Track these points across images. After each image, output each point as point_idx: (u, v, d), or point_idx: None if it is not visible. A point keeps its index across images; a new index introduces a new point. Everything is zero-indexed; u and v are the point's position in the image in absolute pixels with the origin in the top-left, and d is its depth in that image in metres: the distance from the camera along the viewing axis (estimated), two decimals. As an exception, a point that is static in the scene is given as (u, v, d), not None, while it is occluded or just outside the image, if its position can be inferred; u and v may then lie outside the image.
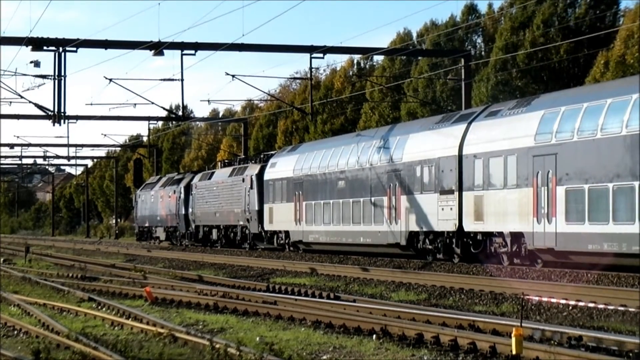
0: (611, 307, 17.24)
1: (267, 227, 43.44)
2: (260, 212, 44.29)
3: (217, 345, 13.46)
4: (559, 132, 24.88)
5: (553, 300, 17.74)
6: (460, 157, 29.19)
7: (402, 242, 32.40)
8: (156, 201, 62.20)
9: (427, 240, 31.32)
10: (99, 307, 21.57)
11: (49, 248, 64.75)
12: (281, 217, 41.88)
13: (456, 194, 29.20)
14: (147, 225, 65.15)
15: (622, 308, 17.46)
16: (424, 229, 31.20)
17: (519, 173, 26.34)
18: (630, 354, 13.02)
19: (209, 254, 43.17)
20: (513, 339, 12.86)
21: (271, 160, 44.40)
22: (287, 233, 41.72)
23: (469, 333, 14.78)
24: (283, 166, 42.47)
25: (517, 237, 26.64)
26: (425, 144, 31.61)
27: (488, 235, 28.13)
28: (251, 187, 45.23)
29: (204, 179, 53.28)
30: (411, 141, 32.58)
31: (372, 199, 34.45)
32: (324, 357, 13.72)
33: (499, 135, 27.60)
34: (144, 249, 54.69)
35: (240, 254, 42.62)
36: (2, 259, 44.65)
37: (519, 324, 13.97)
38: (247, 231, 46.48)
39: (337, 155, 37.74)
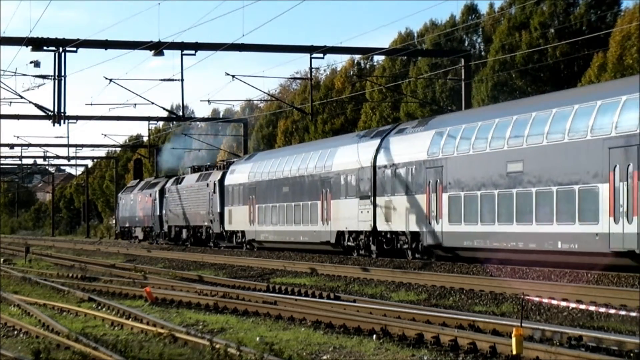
0: (612, 311, 17.22)
1: (227, 227, 48.32)
2: (221, 214, 49.11)
3: (217, 346, 13.44)
4: (445, 148, 29.79)
5: (554, 301, 17.72)
6: (374, 167, 33.99)
7: (332, 240, 37.05)
8: (135, 203, 67.17)
9: (350, 239, 35.93)
10: (99, 308, 21.55)
11: (49, 248, 64.70)
12: (238, 218, 46.68)
13: (371, 199, 33.92)
14: (127, 225, 70.18)
15: (623, 312, 17.41)
16: (348, 229, 36.01)
17: (417, 182, 31.26)
18: (631, 354, 13.02)
19: (209, 254, 43.23)
20: (513, 339, 12.87)
21: (231, 167, 49.25)
22: (243, 233, 46.27)
23: (469, 333, 14.77)
24: (240, 173, 47.28)
25: (415, 235, 31.49)
26: (350, 156, 36.21)
27: (395, 234, 32.86)
28: (214, 192, 50.29)
29: (175, 184, 57.91)
30: (339, 152, 37.29)
31: (309, 202, 38.97)
32: (324, 357, 13.73)
33: (403, 149, 32.52)
34: (144, 249, 54.75)
35: (240, 254, 42.70)
36: (2, 259, 44.63)
37: (519, 324, 13.97)
38: (211, 231, 50.99)
39: (282, 163, 42.34)
